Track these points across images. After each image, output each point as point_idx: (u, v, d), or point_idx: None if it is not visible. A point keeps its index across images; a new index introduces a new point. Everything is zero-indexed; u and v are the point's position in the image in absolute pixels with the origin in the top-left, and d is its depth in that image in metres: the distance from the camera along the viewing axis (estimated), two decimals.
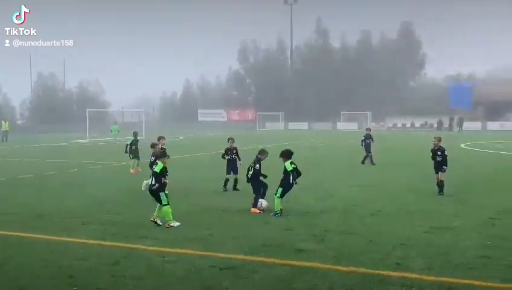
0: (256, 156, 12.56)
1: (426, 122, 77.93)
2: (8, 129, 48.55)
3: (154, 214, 10.47)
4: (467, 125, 69.77)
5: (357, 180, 17.55)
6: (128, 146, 20.78)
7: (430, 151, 14.89)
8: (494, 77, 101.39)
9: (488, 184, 16.10)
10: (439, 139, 14.79)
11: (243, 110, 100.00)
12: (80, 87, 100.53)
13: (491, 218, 10.89)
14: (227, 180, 15.13)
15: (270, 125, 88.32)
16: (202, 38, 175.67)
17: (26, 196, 14.71)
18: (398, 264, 7.70)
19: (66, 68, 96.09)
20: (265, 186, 12.34)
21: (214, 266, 7.63)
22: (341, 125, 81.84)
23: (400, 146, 36.76)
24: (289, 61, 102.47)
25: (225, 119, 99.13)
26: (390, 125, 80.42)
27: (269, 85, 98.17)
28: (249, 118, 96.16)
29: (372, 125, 78.00)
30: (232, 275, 7.23)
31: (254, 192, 12.15)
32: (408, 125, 78.96)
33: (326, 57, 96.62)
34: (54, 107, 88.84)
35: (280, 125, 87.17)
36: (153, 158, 13.27)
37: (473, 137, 49.53)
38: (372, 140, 23.49)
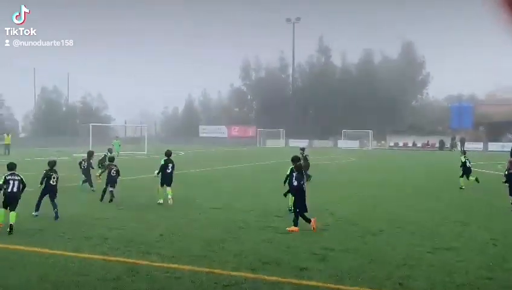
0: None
1: (428, 141, 78.09)
2: (10, 143, 48.64)
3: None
4: (468, 145, 69.94)
5: (355, 198, 17.55)
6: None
7: (504, 175, 15.36)
8: (495, 97, 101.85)
9: (490, 207, 16.10)
10: None
11: (243, 126, 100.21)
12: (83, 102, 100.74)
13: (493, 239, 10.90)
14: None
15: (270, 142, 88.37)
16: (204, 55, 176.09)
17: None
18: (400, 284, 7.71)
19: (67, 82, 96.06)
20: None
21: (216, 283, 7.66)
22: (342, 143, 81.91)
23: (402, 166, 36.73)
24: (291, 79, 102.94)
25: (225, 135, 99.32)
26: (392, 144, 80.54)
27: (270, 102, 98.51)
28: (250, 134, 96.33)
29: (373, 144, 78.45)
30: None
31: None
32: (410, 144, 79.06)
33: (327, 75, 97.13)
34: (57, 121, 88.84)
35: (281, 142, 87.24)
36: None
37: (474, 157, 49.52)
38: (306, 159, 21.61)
